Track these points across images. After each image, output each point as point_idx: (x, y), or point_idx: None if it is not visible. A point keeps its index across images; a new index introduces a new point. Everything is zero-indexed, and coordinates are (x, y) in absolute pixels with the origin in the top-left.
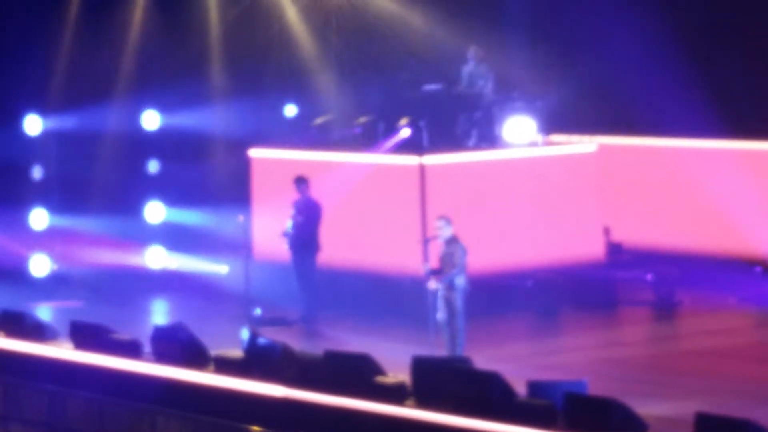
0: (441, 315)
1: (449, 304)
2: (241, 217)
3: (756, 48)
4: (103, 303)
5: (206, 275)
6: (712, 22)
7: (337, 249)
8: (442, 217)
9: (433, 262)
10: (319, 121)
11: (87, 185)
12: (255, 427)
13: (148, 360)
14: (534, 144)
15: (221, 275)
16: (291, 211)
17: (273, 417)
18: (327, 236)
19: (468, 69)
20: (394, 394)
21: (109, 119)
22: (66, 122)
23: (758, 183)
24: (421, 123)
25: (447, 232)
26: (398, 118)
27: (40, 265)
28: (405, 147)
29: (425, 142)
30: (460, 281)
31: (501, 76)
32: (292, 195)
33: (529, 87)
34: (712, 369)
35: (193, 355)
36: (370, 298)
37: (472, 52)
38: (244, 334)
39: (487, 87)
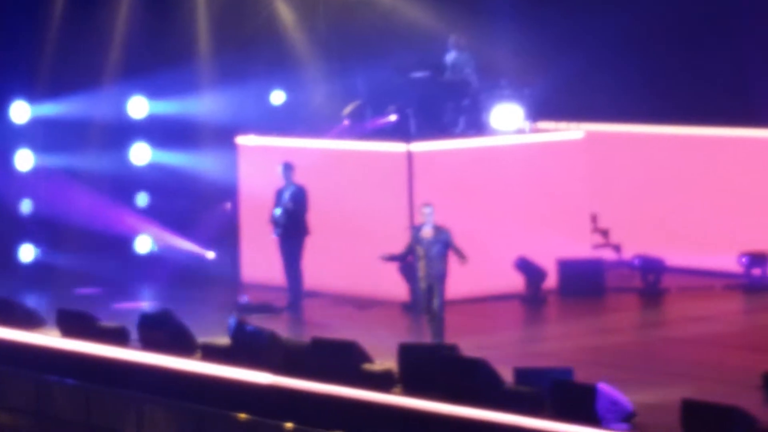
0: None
1: (431, 288)
2: (228, 204)
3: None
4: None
5: (193, 262)
6: (698, 8)
7: (323, 237)
8: (428, 204)
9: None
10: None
11: (74, 173)
12: (242, 414)
13: (135, 347)
14: (521, 131)
15: (208, 261)
16: (277, 198)
17: (260, 404)
18: (313, 224)
19: (451, 57)
20: (381, 381)
21: (96, 106)
22: (53, 109)
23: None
24: (409, 110)
25: (432, 218)
26: (385, 105)
27: (26, 253)
28: (392, 134)
29: (413, 129)
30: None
31: (488, 64)
32: (279, 182)
33: (516, 74)
34: (698, 356)
35: (180, 342)
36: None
37: (452, 40)
38: (231, 321)
39: (471, 74)
